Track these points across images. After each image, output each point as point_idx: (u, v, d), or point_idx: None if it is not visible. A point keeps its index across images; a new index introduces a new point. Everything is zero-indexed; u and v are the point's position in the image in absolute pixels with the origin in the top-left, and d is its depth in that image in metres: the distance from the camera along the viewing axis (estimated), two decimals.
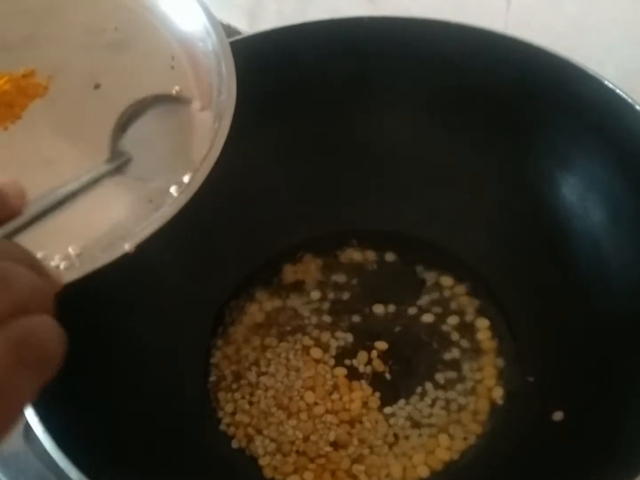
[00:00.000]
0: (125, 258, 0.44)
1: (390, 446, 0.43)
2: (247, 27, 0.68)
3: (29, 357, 0.20)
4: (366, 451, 0.43)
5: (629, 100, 0.42)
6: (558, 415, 0.41)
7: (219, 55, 0.36)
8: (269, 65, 0.48)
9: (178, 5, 0.37)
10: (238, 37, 0.49)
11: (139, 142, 0.34)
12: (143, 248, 0.46)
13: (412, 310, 0.49)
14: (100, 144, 0.34)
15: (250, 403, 0.46)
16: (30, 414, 0.34)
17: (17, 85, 0.36)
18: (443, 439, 0.43)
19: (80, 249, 0.30)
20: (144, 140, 0.34)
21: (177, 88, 0.36)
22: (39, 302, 0.21)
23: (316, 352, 0.47)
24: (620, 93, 0.42)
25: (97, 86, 0.36)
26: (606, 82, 0.43)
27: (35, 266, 0.22)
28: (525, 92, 0.46)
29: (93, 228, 0.31)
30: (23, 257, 0.22)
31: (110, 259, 0.30)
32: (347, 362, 0.47)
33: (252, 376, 0.47)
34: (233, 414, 0.45)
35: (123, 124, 0.34)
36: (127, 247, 0.30)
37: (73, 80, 0.36)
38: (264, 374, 0.47)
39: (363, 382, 0.46)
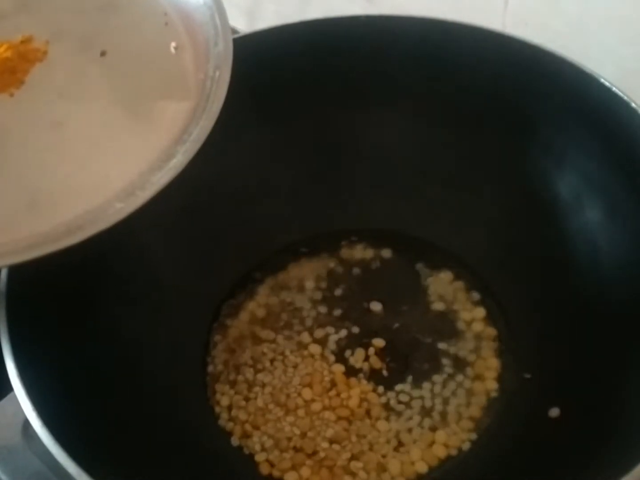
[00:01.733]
0: (126, 254, 0.45)
1: (388, 442, 0.44)
2: (245, 26, 0.69)
3: None
4: (364, 448, 0.43)
5: (626, 98, 0.42)
6: (554, 412, 0.42)
7: (212, 8, 0.37)
8: (267, 64, 0.49)
9: None
10: (236, 36, 0.50)
11: None
12: (143, 243, 0.46)
13: (409, 308, 0.49)
14: (105, 101, 0.34)
15: (248, 399, 0.46)
16: (28, 410, 0.34)
17: (17, 51, 0.36)
18: (440, 435, 0.43)
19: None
20: None
21: (173, 44, 0.36)
22: None
23: (314, 349, 0.47)
24: (617, 91, 0.42)
25: (103, 53, 0.36)
26: (603, 81, 0.43)
27: None
28: (523, 91, 0.46)
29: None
30: None
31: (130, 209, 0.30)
32: (345, 359, 0.47)
33: (249, 373, 0.47)
34: (230, 410, 0.45)
35: None
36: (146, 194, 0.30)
37: (70, 43, 0.36)
38: (261, 370, 0.47)
39: (361, 378, 0.46)
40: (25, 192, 0.32)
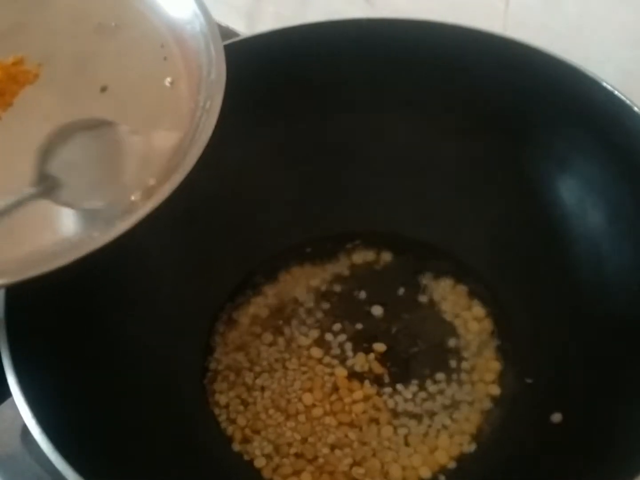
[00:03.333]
0: (125, 257, 0.45)
1: (390, 448, 0.43)
2: (244, 28, 0.68)
3: None
4: (366, 453, 0.43)
5: (627, 101, 0.42)
6: (557, 417, 0.41)
7: (207, 37, 0.36)
8: (267, 67, 0.48)
9: None
10: (236, 39, 0.49)
11: (67, 167, 0.33)
12: (142, 247, 0.46)
13: (410, 312, 0.49)
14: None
15: (247, 404, 0.45)
16: (27, 416, 0.34)
17: (7, 72, 0.36)
18: (442, 440, 0.43)
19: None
20: (74, 165, 0.33)
21: (168, 79, 0.36)
22: None
23: (315, 352, 0.47)
24: (619, 94, 0.42)
25: (103, 89, 0.35)
26: (604, 84, 0.43)
27: None
28: (523, 93, 0.46)
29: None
30: None
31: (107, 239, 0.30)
32: (347, 363, 0.47)
33: (249, 377, 0.47)
34: (230, 415, 0.45)
35: (48, 149, 0.33)
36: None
37: (62, 67, 0.36)
38: (261, 374, 0.47)
39: (364, 382, 0.46)
40: None
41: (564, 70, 0.44)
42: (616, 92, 0.42)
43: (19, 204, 0.31)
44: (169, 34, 0.37)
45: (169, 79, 0.36)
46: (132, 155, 0.34)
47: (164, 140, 0.34)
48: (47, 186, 0.32)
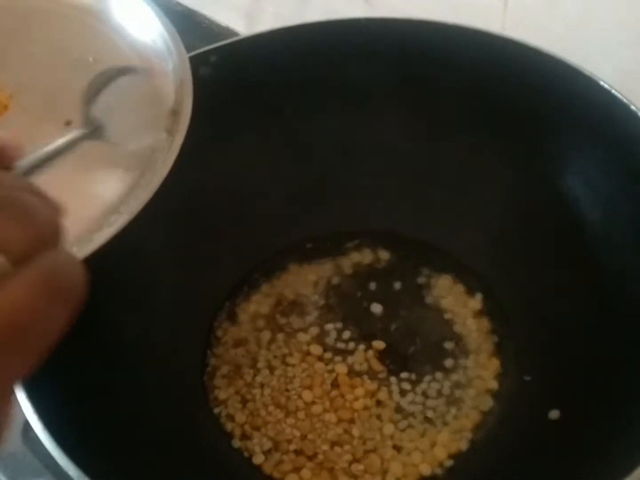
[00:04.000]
0: (126, 255, 0.45)
1: (390, 445, 0.43)
2: (244, 28, 0.69)
3: (60, 290, 0.20)
4: (365, 450, 0.43)
5: (625, 100, 0.42)
6: (554, 414, 0.42)
7: (178, 74, 0.36)
8: (267, 66, 0.49)
9: (142, 27, 0.38)
10: (235, 38, 0.50)
11: (108, 110, 0.35)
12: (141, 246, 0.46)
13: (409, 310, 0.49)
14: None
15: (247, 401, 0.46)
16: (29, 412, 0.34)
17: None
18: (441, 437, 0.43)
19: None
20: (114, 108, 0.35)
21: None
22: (56, 236, 0.21)
23: (315, 350, 0.47)
24: (616, 94, 0.42)
25: (67, 123, 0.35)
26: (602, 83, 0.43)
27: (46, 201, 0.22)
28: (522, 93, 0.46)
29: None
30: (35, 190, 0.22)
31: (108, 235, 0.30)
32: (346, 361, 0.47)
33: (249, 374, 0.47)
34: (229, 412, 0.45)
35: (90, 95, 0.35)
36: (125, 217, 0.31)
37: (33, 99, 0.36)
38: (261, 371, 0.47)
39: (365, 379, 0.46)
40: None
41: (562, 69, 0.44)
42: (613, 91, 0.42)
43: (71, 145, 0.32)
44: (143, 64, 0.37)
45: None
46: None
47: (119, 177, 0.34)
48: (94, 128, 0.34)
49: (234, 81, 0.49)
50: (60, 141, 0.32)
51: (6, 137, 0.25)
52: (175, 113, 0.34)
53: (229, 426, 0.45)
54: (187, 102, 0.35)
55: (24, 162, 0.28)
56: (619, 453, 0.35)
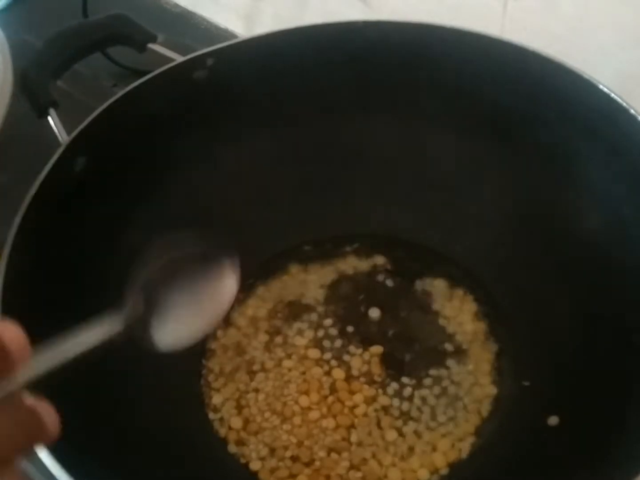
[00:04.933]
0: (121, 258, 0.45)
1: (388, 451, 0.43)
2: (243, 30, 0.68)
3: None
4: (363, 457, 0.43)
5: (624, 104, 0.42)
6: (553, 420, 0.41)
7: None
8: (266, 68, 0.48)
9: None
10: (235, 40, 0.49)
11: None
12: (137, 245, 0.46)
13: (407, 314, 0.49)
14: None
15: (243, 407, 0.45)
16: None
17: None
18: (440, 443, 0.43)
19: None
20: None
21: None
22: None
23: (312, 354, 0.47)
24: (616, 97, 0.42)
25: None
26: (601, 86, 0.43)
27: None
28: (521, 96, 0.46)
29: None
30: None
31: None
32: (343, 365, 0.46)
33: (245, 378, 0.46)
34: (225, 417, 0.45)
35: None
36: None
37: None
38: (257, 375, 0.46)
39: (363, 384, 0.46)
40: None
41: (562, 72, 0.44)
42: (612, 95, 0.42)
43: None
44: None
45: None
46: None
47: None
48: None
49: (232, 84, 0.49)
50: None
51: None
52: None
53: (224, 432, 0.44)
54: None
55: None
56: (616, 461, 0.35)
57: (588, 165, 0.45)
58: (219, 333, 0.49)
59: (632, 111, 0.41)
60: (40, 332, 0.33)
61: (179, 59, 0.48)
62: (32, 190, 0.41)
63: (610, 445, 0.37)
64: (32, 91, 0.47)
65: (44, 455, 0.33)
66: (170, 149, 0.49)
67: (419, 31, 0.47)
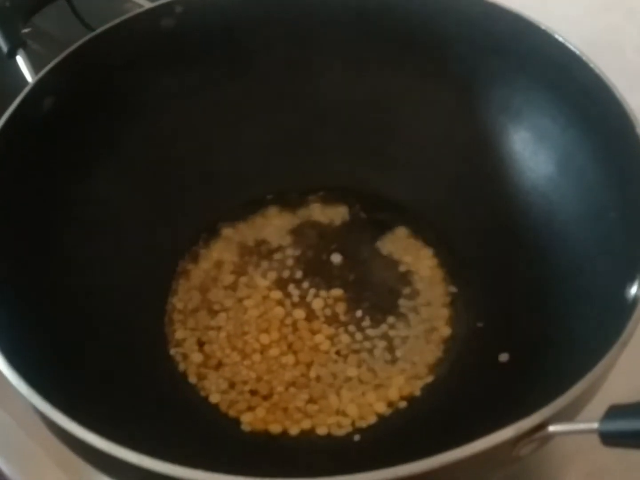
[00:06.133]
0: (92, 200, 0.46)
1: (346, 386, 0.44)
2: None
3: None
4: (321, 391, 0.44)
5: (578, 52, 0.43)
6: (504, 357, 0.43)
7: None
8: (234, 19, 0.50)
9: None
10: None
11: None
12: (108, 191, 0.47)
13: (367, 261, 0.50)
14: None
15: (204, 343, 0.46)
16: None
17: None
18: (395, 379, 0.44)
19: None
20: None
21: None
22: None
23: (275, 295, 0.48)
24: (570, 46, 0.43)
25: None
26: (556, 36, 0.44)
27: None
28: (478, 46, 0.47)
29: None
30: None
31: None
32: (304, 306, 0.48)
33: (207, 317, 0.48)
34: (186, 353, 0.46)
35: None
36: None
37: None
38: (218, 314, 0.48)
39: (322, 323, 0.47)
40: None
41: (519, 23, 0.45)
42: (568, 44, 0.43)
43: None
44: None
45: None
46: None
47: None
48: None
49: (199, 33, 0.50)
50: None
51: None
52: None
53: (184, 367, 0.45)
54: None
55: None
56: (559, 388, 0.36)
57: (543, 114, 0.46)
58: (185, 272, 0.50)
59: (591, 65, 0.42)
60: None
61: (148, 5, 0.49)
62: None
63: (553, 376, 0.38)
64: (1, 31, 0.47)
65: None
66: (138, 95, 0.49)
67: None
